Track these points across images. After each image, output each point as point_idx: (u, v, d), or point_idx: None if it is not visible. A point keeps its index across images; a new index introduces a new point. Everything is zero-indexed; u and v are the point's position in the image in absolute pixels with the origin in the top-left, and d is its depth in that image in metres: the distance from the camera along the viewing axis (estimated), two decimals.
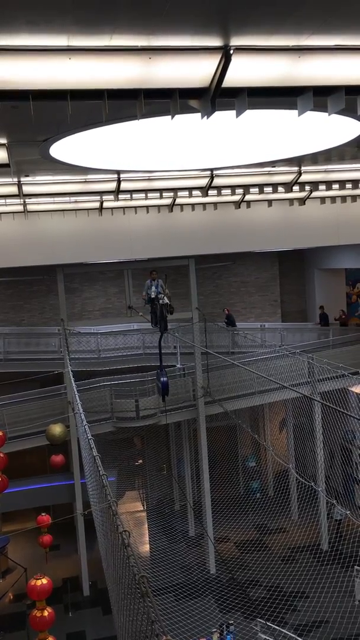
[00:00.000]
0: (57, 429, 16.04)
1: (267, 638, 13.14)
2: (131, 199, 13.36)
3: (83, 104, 5.73)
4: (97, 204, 13.85)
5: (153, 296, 13.21)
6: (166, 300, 12.74)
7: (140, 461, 24.58)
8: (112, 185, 12.07)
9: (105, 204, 13.88)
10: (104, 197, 13.23)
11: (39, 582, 10.43)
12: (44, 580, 10.46)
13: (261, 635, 13.41)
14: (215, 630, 14.08)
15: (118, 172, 11.44)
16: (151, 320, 13.92)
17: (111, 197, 12.84)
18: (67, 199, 13.17)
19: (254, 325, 25.07)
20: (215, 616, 15.60)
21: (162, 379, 13.62)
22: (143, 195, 13.05)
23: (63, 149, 9.08)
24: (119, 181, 11.78)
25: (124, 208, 14.46)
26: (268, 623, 13.76)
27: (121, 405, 19.11)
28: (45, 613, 10.34)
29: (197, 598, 16.74)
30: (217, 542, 19.77)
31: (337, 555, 17.32)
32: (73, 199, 13.23)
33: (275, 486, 23.40)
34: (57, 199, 13.17)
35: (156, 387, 15.33)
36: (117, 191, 12.19)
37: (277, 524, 21.42)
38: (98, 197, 13.25)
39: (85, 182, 11.93)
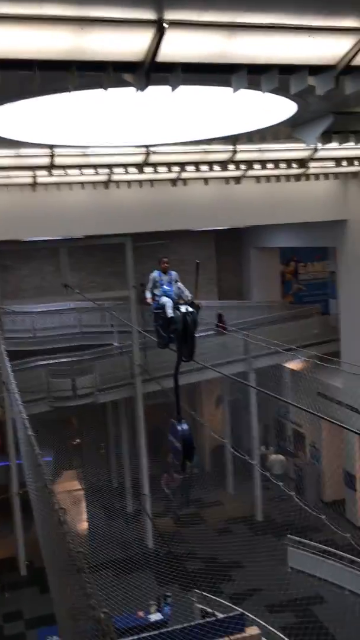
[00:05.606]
0: None
1: (204, 607, 13.49)
2: (65, 174, 13.09)
3: (13, 74, 5.54)
4: (30, 180, 13.50)
5: (168, 302, 8.18)
6: (187, 305, 7.83)
7: (78, 441, 24.48)
8: (45, 160, 11.78)
9: (38, 180, 13.54)
10: (38, 172, 12.90)
11: None
12: None
13: (197, 605, 13.75)
14: (153, 602, 14.33)
15: (51, 147, 11.17)
16: (158, 340, 8.58)
17: (45, 172, 12.55)
18: None
19: None
20: (153, 589, 15.87)
21: (180, 427, 8.21)
22: (78, 171, 12.81)
23: None
24: (52, 156, 11.51)
25: (58, 184, 14.17)
26: (204, 593, 14.12)
27: (57, 385, 18.91)
28: None
29: (135, 572, 16.95)
30: (155, 517, 20.03)
31: (271, 525, 17.93)
32: (5, 173, 12.83)
33: (212, 461, 23.87)
34: None
35: (170, 447, 8.66)
36: (51, 166, 11.92)
37: (213, 498, 21.89)
38: (31, 172, 12.91)
39: (18, 156, 11.58)
